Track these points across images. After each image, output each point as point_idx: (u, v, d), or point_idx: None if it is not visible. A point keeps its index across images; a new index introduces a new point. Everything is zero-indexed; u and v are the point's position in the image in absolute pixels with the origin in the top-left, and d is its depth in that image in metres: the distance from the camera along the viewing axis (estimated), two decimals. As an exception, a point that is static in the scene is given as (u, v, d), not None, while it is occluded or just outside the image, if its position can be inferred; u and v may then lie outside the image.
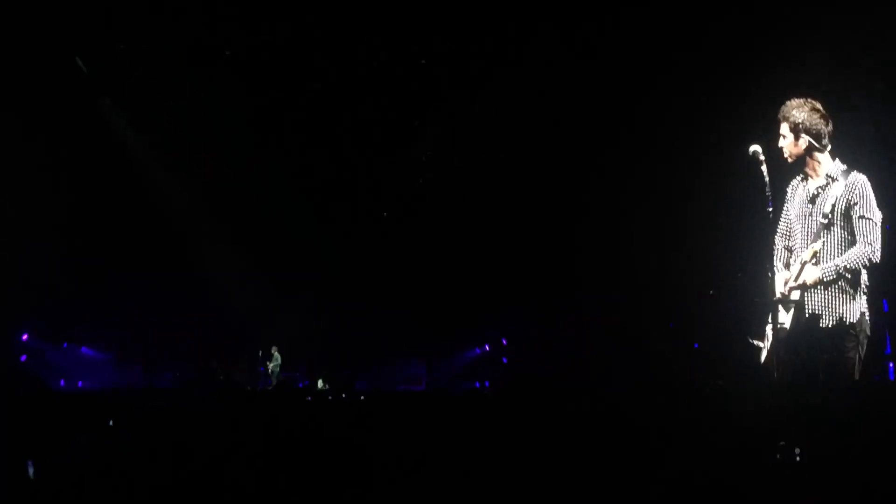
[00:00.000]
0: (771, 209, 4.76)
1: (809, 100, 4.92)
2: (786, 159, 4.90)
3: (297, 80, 11.24)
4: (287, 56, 10.74)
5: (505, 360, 14.20)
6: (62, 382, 13.03)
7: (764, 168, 4.77)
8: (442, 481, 3.57)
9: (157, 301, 13.84)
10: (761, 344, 4.97)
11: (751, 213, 4.94)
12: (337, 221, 14.12)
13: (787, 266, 5.03)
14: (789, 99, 4.92)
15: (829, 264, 4.74)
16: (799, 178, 5.04)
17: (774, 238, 5.19)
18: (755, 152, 4.82)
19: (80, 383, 13.36)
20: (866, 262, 4.75)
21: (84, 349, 13.89)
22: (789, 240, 5.11)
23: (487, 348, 14.71)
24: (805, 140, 4.89)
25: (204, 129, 12.03)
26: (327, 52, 10.65)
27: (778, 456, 3.59)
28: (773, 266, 5.10)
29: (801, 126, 4.89)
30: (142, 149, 12.64)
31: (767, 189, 4.76)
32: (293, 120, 12.06)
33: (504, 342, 14.14)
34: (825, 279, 4.72)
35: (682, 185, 9.77)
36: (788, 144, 4.92)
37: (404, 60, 10.82)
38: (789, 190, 5.16)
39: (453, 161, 12.36)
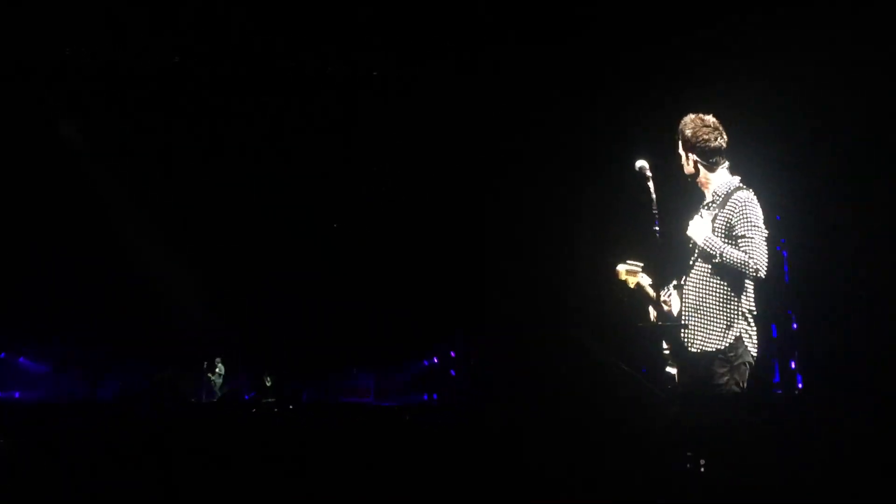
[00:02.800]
0: (657, 228, 4.59)
1: (701, 114, 4.79)
2: (688, 179, 4.74)
3: (247, 89, 11.14)
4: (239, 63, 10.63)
5: (453, 373, 14.22)
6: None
7: (650, 184, 4.63)
8: (387, 491, 3.59)
9: (99, 308, 13.53)
10: (671, 370, 4.78)
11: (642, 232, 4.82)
12: (288, 229, 14.00)
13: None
14: (686, 115, 4.82)
15: (715, 241, 4.60)
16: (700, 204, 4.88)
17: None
18: (641, 168, 4.69)
19: (16, 394, 13.02)
20: (742, 266, 4.52)
21: (22, 359, 13.54)
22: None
23: (436, 361, 14.72)
24: (692, 157, 4.76)
25: (151, 125, 11.83)
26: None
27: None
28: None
29: (689, 143, 4.73)
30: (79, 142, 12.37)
31: (654, 207, 4.62)
32: (245, 127, 11.93)
33: (452, 354, 14.18)
34: (706, 249, 4.55)
35: (573, 202, 9.87)
36: (683, 163, 4.78)
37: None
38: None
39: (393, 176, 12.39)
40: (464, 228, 11.78)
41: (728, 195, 4.61)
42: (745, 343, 4.49)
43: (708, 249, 4.58)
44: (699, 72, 7.92)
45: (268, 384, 14.08)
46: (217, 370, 14.41)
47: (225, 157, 12.52)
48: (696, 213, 4.71)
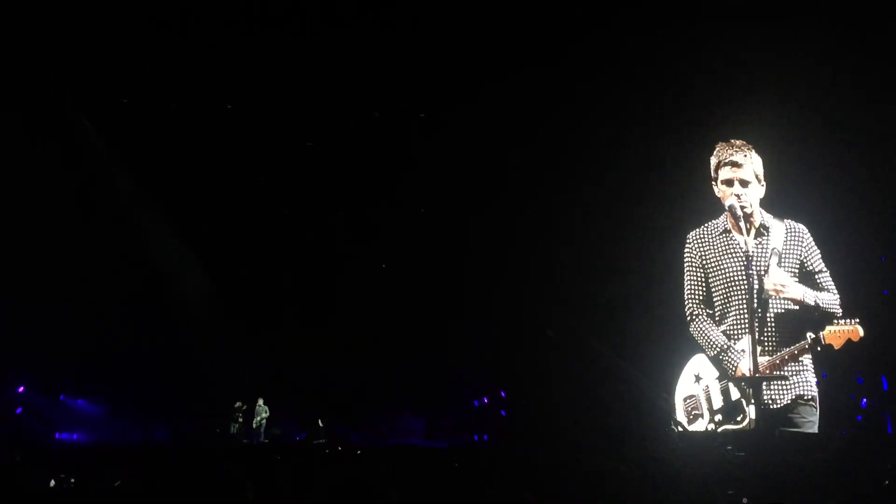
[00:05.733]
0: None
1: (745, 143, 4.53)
2: (738, 212, 4.36)
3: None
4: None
5: (504, 413, 14.09)
6: (57, 435, 12.92)
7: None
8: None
9: (151, 351, 13.74)
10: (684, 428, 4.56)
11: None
12: (340, 270, 14.09)
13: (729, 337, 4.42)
14: (731, 139, 4.51)
15: (809, 291, 4.36)
16: (712, 230, 4.52)
17: (689, 305, 4.65)
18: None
19: (74, 436, 13.24)
20: (833, 307, 4.33)
21: (80, 402, 13.78)
22: (714, 306, 4.55)
23: (486, 401, 14.60)
24: (763, 186, 4.50)
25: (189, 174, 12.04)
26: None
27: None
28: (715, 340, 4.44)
29: (760, 171, 4.49)
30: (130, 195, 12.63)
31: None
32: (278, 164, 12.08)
33: (503, 394, 14.06)
34: (806, 301, 4.24)
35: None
36: (754, 193, 4.43)
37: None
38: (695, 245, 4.64)
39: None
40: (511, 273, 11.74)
41: (778, 226, 4.41)
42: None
43: (808, 301, 4.32)
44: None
45: (320, 425, 14.08)
46: (261, 410, 14.41)
47: (269, 189, 12.67)
48: (726, 247, 4.44)
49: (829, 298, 4.35)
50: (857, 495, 3.48)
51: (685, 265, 4.68)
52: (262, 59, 9.98)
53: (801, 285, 4.34)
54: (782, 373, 4.28)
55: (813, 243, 4.48)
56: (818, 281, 4.42)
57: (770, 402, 4.29)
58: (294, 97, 10.79)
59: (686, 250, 4.69)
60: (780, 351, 4.24)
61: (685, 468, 3.89)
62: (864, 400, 7.42)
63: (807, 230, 4.50)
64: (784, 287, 4.31)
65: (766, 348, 4.29)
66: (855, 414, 7.44)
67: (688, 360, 4.65)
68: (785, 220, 4.50)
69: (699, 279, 4.63)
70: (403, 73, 10.04)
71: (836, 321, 4.20)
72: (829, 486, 3.52)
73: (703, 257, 4.60)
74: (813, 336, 4.18)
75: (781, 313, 4.35)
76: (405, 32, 9.32)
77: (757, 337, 4.07)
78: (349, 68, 10.05)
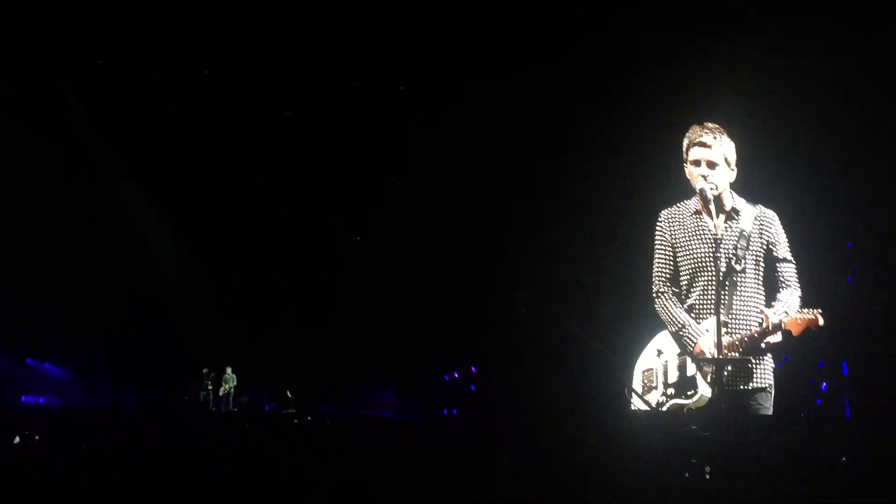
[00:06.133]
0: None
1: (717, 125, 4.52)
2: (708, 195, 4.37)
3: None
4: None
5: (473, 388, 14.20)
6: (23, 398, 12.84)
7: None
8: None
9: (120, 315, 13.66)
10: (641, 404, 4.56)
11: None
12: (311, 241, 14.07)
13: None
14: (702, 122, 4.50)
15: (779, 311, 4.35)
16: (684, 211, 4.54)
17: (656, 283, 4.67)
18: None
19: (40, 399, 13.16)
20: (799, 301, 4.37)
21: (47, 365, 13.69)
22: (680, 285, 4.57)
23: (457, 376, 14.70)
24: (734, 171, 4.52)
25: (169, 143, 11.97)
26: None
27: (687, 475, 3.64)
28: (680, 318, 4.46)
29: (731, 155, 4.52)
30: (102, 156, 12.52)
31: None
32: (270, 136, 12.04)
33: (473, 369, 14.16)
34: (783, 316, 4.31)
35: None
36: (722, 175, 4.46)
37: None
38: (666, 225, 4.66)
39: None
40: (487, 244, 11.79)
41: (749, 210, 4.44)
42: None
43: (781, 318, 4.21)
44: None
45: (288, 396, 14.11)
46: (230, 379, 14.40)
47: (253, 168, 12.63)
48: (697, 229, 4.46)
49: (790, 297, 4.41)
50: (816, 472, 3.57)
51: (655, 243, 4.70)
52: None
53: (772, 310, 4.34)
54: (743, 356, 4.34)
55: (781, 230, 4.51)
56: (780, 270, 4.47)
57: (729, 384, 4.36)
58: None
59: (657, 229, 4.71)
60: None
61: (648, 443, 3.97)
62: (824, 384, 7.56)
63: (776, 216, 4.54)
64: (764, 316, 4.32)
65: (730, 331, 4.36)
66: (815, 398, 7.59)
67: (654, 336, 4.72)
68: (757, 206, 4.54)
69: (667, 258, 4.66)
70: (399, 70, 10.06)
71: (802, 308, 4.26)
72: (787, 463, 3.61)
73: (674, 236, 4.64)
74: (774, 322, 4.24)
75: (746, 297, 4.42)
76: (399, 30, 9.34)
77: (722, 319, 4.14)
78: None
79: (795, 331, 4.22)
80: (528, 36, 9.01)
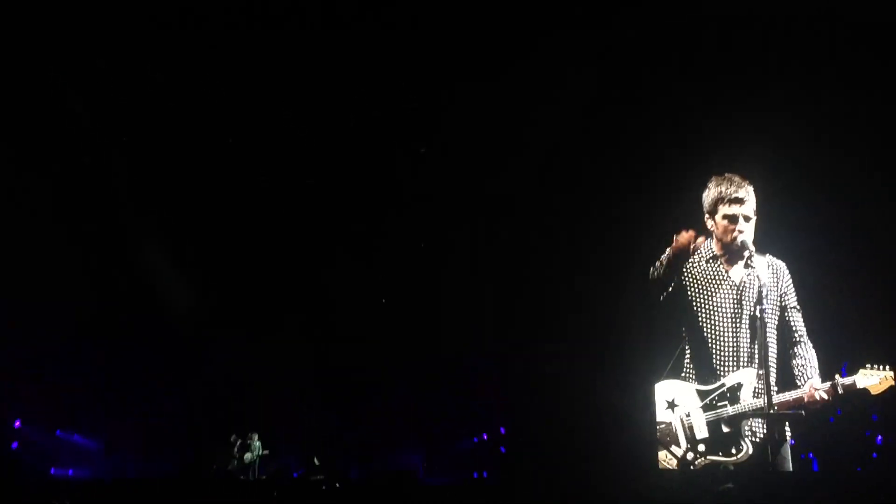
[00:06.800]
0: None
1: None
2: (734, 246, 4.31)
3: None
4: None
5: (503, 450, 13.98)
6: (52, 470, 12.82)
7: None
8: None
9: (148, 385, 13.66)
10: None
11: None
12: (336, 306, 14.06)
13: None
14: (728, 174, 4.49)
15: (817, 384, 4.26)
16: (704, 261, 4.49)
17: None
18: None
19: (69, 472, 13.12)
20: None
21: (76, 437, 13.69)
22: (700, 340, 4.51)
23: (486, 437, 14.50)
24: (754, 219, 4.48)
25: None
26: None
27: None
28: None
29: (756, 207, 4.50)
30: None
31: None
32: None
33: (503, 431, 13.97)
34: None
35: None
36: (752, 227, 4.43)
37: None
38: (689, 276, 4.57)
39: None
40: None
41: (761, 260, 4.42)
42: None
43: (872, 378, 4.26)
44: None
45: (316, 463, 13.97)
46: (255, 447, 14.26)
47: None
48: (718, 280, 4.44)
49: (810, 353, 4.38)
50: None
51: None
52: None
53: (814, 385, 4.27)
54: (801, 412, 4.29)
55: (790, 280, 4.50)
56: (793, 321, 4.46)
57: (776, 440, 4.28)
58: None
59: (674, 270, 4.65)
60: (774, 385, 4.22)
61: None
62: (880, 437, 7.35)
63: (785, 266, 4.53)
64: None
65: (760, 381, 4.28)
66: (871, 451, 7.37)
67: (649, 384, 4.63)
68: (766, 255, 4.54)
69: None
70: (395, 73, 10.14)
71: (868, 365, 4.21)
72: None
73: (690, 287, 4.60)
74: (846, 381, 4.17)
75: (769, 346, 4.36)
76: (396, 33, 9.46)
77: (758, 371, 4.07)
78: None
79: (875, 391, 4.18)
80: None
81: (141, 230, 12.59)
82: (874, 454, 7.45)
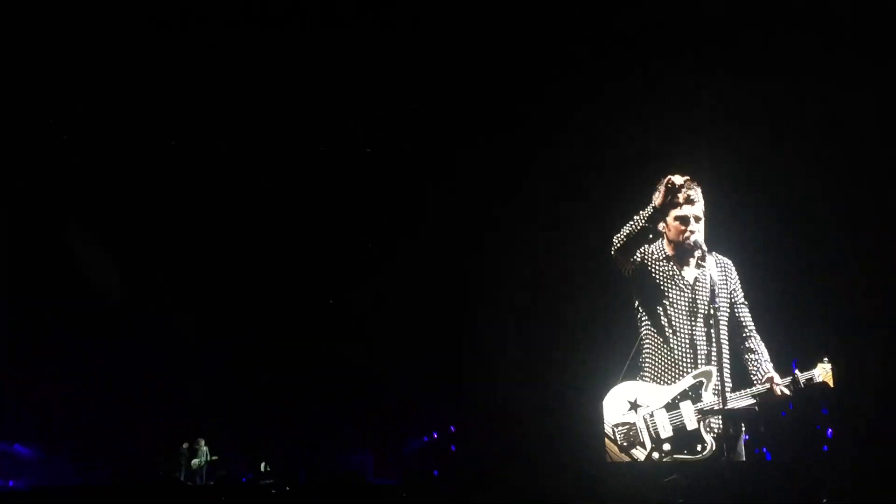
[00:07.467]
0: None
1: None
2: (686, 246, 4.42)
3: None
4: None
5: (453, 448, 14.03)
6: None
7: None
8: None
9: (87, 389, 13.34)
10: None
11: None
12: (278, 304, 13.91)
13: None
14: (671, 174, 4.58)
15: (778, 379, 4.41)
16: (658, 263, 4.56)
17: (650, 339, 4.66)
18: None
19: (10, 483, 12.76)
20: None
21: (16, 446, 13.30)
22: (659, 340, 4.65)
23: (435, 436, 14.53)
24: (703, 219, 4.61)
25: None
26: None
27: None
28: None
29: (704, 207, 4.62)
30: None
31: None
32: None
33: (452, 429, 14.02)
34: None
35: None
36: (699, 225, 4.56)
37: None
38: (644, 278, 4.69)
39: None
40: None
41: (710, 259, 4.52)
42: None
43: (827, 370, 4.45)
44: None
45: (264, 469, 13.85)
46: (202, 453, 14.07)
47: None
48: (674, 278, 4.52)
49: (762, 347, 4.50)
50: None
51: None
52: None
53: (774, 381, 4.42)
54: (754, 407, 4.43)
55: (738, 276, 4.64)
56: (742, 317, 4.57)
57: (732, 434, 4.41)
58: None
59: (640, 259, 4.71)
60: (729, 381, 4.33)
61: (635, 494, 3.97)
62: (830, 430, 7.59)
63: (732, 264, 4.66)
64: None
65: (718, 380, 4.39)
66: (821, 445, 7.60)
67: (609, 386, 4.71)
68: (713, 253, 4.64)
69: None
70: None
71: (826, 359, 4.37)
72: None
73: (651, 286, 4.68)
74: (806, 376, 4.31)
75: (721, 343, 4.49)
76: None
77: (711, 369, 4.18)
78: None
79: (832, 383, 4.33)
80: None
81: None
82: (825, 447, 7.72)
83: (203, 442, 14.05)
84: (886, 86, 7.14)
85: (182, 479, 13.44)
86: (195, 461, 13.86)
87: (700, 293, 4.52)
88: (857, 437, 7.18)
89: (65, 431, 13.48)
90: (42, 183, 11.60)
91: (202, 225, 12.56)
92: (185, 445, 13.81)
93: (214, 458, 13.95)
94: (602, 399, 4.78)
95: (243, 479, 13.70)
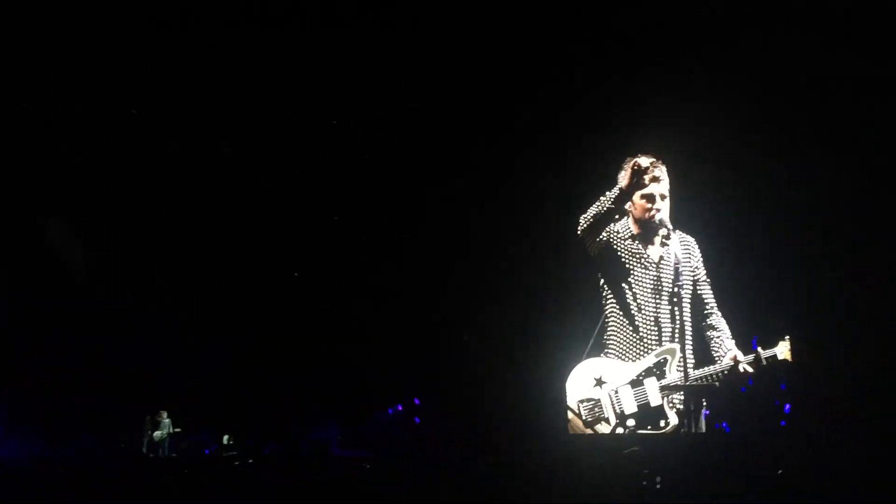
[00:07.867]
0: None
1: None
2: (652, 224, 4.50)
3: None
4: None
5: (417, 420, 14.09)
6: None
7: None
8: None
9: (50, 362, 13.20)
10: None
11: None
12: (245, 278, 13.84)
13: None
14: (638, 154, 4.63)
15: (741, 356, 4.48)
16: (623, 241, 4.64)
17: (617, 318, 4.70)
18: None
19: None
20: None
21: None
22: (624, 318, 4.73)
23: (400, 408, 14.58)
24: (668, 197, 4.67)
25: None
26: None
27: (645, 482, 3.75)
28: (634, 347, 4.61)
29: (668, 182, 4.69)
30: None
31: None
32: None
33: (416, 401, 14.08)
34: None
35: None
36: (665, 204, 4.62)
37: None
38: (610, 255, 4.72)
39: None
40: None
41: (673, 236, 4.57)
42: None
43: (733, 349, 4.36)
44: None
45: (227, 441, 13.85)
46: (164, 425, 14.02)
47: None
48: (640, 256, 4.57)
49: (723, 324, 4.58)
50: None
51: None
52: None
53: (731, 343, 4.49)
54: (715, 383, 4.50)
55: (700, 254, 4.72)
56: (704, 294, 4.65)
57: (694, 411, 4.48)
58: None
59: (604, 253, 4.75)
60: (691, 358, 4.40)
61: (592, 463, 4.01)
62: (788, 406, 7.76)
63: (695, 242, 4.73)
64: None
65: (685, 357, 4.45)
66: (779, 420, 7.77)
67: (575, 361, 4.77)
68: (677, 231, 4.69)
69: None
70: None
71: (787, 337, 4.43)
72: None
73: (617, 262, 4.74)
74: (768, 353, 4.38)
75: (686, 321, 4.54)
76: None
77: (675, 347, 4.24)
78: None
79: (791, 359, 4.41)
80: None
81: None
82: (783, 422, 7.90)
83: (165, 414, 13.99)
84: (851, 63, 7.24)
85: (144, 450, 13.39)
86: (157, 433, 13.80)
87: (665, 271, 4.58)
88: (813, 411, 7.37)
89: (28, 401, 13.34)
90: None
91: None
92: (147, 417, 13.75)
93: (177, 430, 13.90)
94: (567, 375, 4.84)
95: (206, 451, 13.67)
